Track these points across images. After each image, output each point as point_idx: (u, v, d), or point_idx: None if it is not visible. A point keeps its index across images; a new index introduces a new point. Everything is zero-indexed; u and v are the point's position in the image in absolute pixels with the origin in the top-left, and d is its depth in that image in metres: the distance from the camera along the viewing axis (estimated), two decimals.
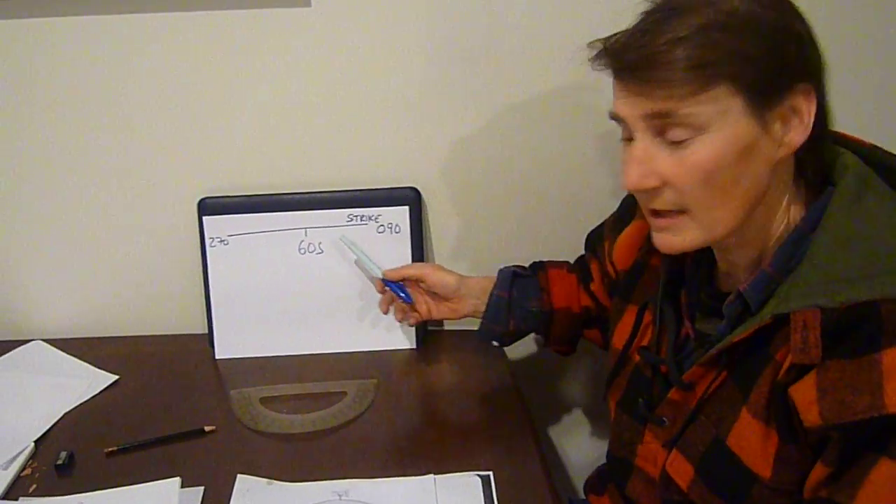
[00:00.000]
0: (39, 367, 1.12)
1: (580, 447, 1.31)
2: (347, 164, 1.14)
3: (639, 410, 0.82)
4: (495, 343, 1.07)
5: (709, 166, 0.68)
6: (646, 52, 0.67)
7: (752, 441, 0.70)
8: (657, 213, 0.73)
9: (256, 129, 1.11)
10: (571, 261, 1.10)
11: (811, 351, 0.64)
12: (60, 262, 1.18)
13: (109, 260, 1.18)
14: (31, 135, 1.10)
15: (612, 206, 1.16)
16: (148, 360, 1.14)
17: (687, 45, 0.66)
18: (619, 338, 0.88)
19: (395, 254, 1.13)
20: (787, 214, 0.73)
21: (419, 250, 1.14)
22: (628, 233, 0.92)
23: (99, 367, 1.11)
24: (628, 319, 0.87)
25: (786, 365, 0.67)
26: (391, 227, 1.13)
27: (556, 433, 1.33)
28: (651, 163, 0.70)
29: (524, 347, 1.26)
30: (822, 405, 0.63)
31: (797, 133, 0.69)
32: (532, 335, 1.15)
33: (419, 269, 1.06)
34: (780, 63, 0.67)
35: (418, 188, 1.13)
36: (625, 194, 0.98)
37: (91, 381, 1.08)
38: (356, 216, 1.12)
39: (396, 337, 1.16)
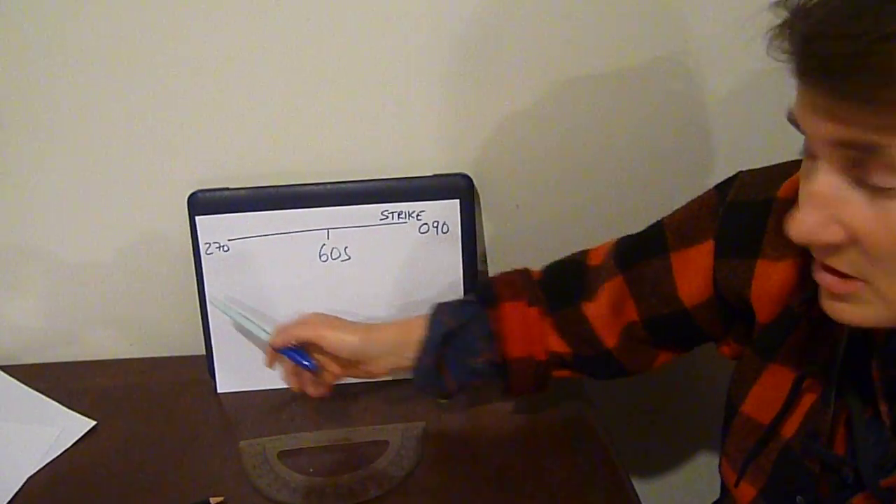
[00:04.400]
0: None
1: None
2: (380, 146, 0.89)
3: None
4: (441, 401, 0.85)
5: None
6: (852, 49, 0.41)
7: None
8: (832, 271, 0.50)
9: (264, 101, 0.86)
10: None
11: None
12: (25, 274, 0.94)
13: (82, 269, 0.94)
14: None
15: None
16: (132, 397, 0.91)
17: None
18: (760, 408, 0.64)
19: (442, 260, 0.89)
20: None
21: (472, 255, 0.90)
22: (773, 272, 0.64)
23: (72, 408, 0.88)
24: (774, 385, 0.63)
25: None
26: (437, 227, 0.89)
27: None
28: (838, 207, 0.47)
29: None
30: None
31: None
32: None
33: (312, 330, 0.79)
34: None
35: (470, 175, 0.89)
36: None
37: (62, 428, 0.85)
38: (392, 213, 0.88)
39: None
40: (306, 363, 0.81)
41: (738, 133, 0.91)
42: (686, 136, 0.91)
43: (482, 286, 0.81)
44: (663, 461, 1.13)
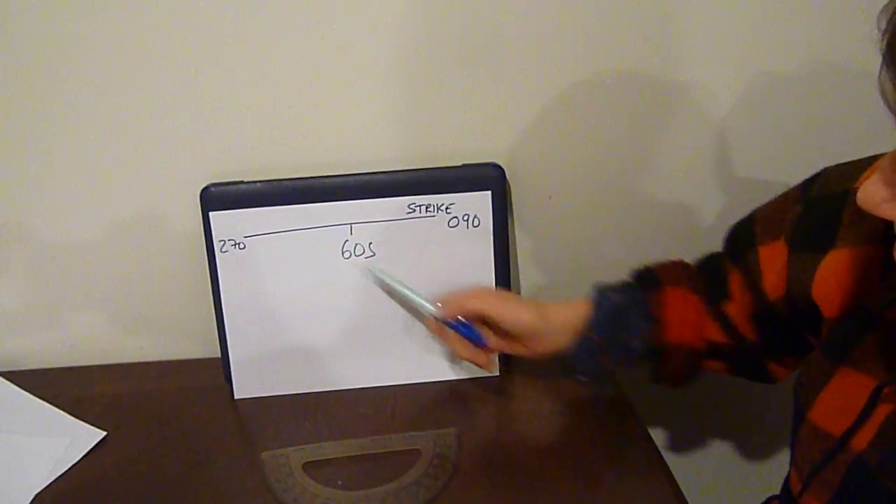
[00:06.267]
0: None
1: None
2: (405, 135, 0.84)
3: None
4: (581, 379, 0.81)
5: None
6: None
7: None
8: None
9: (281, 89, 0.81)
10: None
11: None
12: (27, 274, 0.88)
13: (89, 271, 0.88)
14: None
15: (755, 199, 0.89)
16: (144, 404, 0.86)
17: None
18: (828, 415, 0.59)
19: (473, 255, 0.84)
20: None
21: (504, 250, 0.85)
22: (838, 264, 0.61)
23: (80, 417, 0.83)
24: (845, 392, 0.58)
25: None
26: (468, 220, 0.83)
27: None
28: None
29: None
30: None
31: None
32: None
33: (484, 303, 0.78)
34: None
35: (502, 165, 0.84)
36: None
37: (70, 440, 0.80)
38: (420, 206, 0.83)
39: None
40: (475, 337, 0.79)
41: (761, 118, 0.86)
42: (717, 127, 0.86)
43: (640, 271, 0.80)
44: (710, 460, 1.08)
